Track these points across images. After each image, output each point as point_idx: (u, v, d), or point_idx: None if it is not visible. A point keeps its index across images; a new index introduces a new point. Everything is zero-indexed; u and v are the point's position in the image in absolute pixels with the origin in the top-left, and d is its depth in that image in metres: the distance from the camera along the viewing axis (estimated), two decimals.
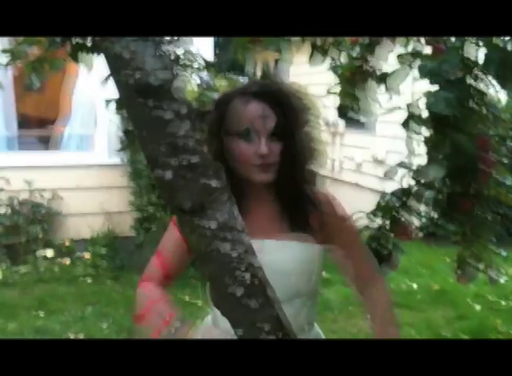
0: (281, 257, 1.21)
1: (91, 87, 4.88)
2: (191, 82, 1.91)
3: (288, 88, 1.25)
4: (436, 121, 1.36)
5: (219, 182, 0.77)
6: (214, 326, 1.31)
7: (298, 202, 1.24)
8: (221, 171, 0.78)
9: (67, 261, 4.71)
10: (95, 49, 1.41)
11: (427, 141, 1.58)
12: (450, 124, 1.32)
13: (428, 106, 1.30)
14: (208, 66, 1.47)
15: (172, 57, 0.75)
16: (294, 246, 1.24)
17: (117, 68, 0.74)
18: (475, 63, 1.41)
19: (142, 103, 0.72)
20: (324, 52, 1.80)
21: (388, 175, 1.69)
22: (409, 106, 1.43)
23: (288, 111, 1.19)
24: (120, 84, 0.75)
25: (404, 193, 1.78)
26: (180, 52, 1.54)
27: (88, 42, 1.43)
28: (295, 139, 1.20)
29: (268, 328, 0.83)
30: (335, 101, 2.16)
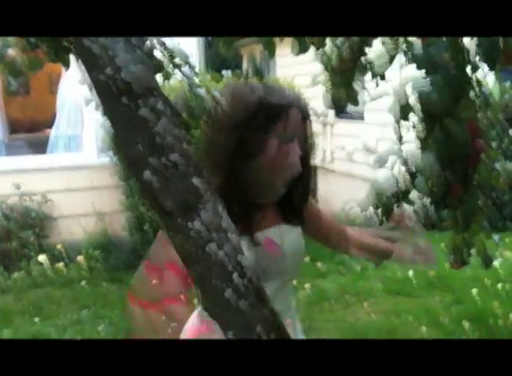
0: (294, 239, 1.32)
1: (76, 87, 4.83)
2: (174, 78, 1.87)
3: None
4: (425, 107, 1.33)
5: (201, 180, 0.74)
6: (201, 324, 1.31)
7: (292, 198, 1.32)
8: (202, 169, 0.75)
9: (61, 264, 4.66)
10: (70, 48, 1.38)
11: (417, 128, 1.56)
12: (439, 109, 1.30)
13: (417, 92, 1.28)
14: (186, 61, 1.44)
15: (146, 51, 0.72)
16: (298, 230, 1.35)
17: (89, 65, 0.71)
18: (462, 46, 1.39)
19: (116, 100, 0.68)
20: (309, 43, 1.77)
21: (377, 164, 1.67)
22: (396, 92, 1.41)
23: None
24: (93, 82, 0.71)
25: (396, 182, 1.76)
26: (159, 47, 1.50)
27: (64, 41, 1.39)
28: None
29: (259, 329, 0.80)
30: (323, 91, 2.13)
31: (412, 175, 1.75)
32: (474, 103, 1.56)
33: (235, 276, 0.77)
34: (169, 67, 1.53)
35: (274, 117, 1.21)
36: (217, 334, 0.87)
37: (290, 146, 1.21)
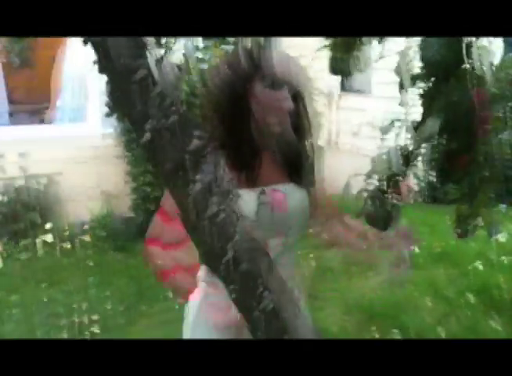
0: (299, 198, 1.36)
1: (81, 58, 4.79)
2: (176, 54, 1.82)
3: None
4: (428, 68, 1.32)
5: (200, 140, 0.74)
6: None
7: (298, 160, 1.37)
8: (200, 129, 0.75)
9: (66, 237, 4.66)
10: None
11: (422, 94, 1.54)
12: (444, 70, 1.29)
13: (420, 52, 1.27)
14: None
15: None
16: (303, 191, 1.38)
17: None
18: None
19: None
20: None
21: (383, 132, 1.66)
22: (400, 53, 1.40)
23: None
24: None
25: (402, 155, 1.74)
26: None
27: None
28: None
29: (256, 282, 0.81)
30: (328, 62, 2.09)
31: (418, 145, 1.73)
32: (466, 71, 1.52)
33: (233, 233, 0.78)
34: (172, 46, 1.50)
35: (257, 63, 1.24)
36: (223, 292, 0.89)
37: (278, 92, 1.23)
